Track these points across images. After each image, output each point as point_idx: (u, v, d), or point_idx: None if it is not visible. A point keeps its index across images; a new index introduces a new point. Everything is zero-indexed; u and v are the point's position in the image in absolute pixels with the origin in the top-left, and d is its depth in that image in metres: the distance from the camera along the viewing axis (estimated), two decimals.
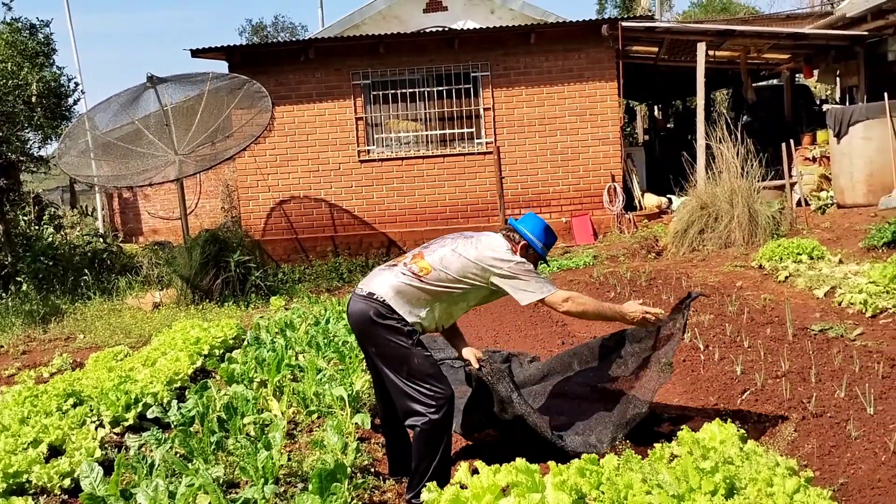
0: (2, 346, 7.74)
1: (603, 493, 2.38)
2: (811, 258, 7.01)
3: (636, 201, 11.71)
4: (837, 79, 13.23)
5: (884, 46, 11.20)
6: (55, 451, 3.96)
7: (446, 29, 12.31)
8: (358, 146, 11.43)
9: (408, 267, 3.30)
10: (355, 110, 11.36)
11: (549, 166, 11.41)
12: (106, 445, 4.08)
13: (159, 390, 4.68)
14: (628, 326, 3.68)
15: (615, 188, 11.29)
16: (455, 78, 11.32)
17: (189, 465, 3.33)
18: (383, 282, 3.27)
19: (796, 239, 7.53)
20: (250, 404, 4.15)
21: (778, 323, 5.13)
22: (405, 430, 3.36)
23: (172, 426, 4.15)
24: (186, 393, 4.79)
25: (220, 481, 3.21)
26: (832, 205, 9.97)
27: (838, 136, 9.74)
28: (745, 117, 14.09)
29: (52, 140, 15.32)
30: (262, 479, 3.10)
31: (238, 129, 10.18)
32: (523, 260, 3.35)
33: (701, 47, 10.46)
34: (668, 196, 11.62)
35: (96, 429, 4.21)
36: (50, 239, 11.42)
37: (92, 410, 4.48)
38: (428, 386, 3.15)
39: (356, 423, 3.87)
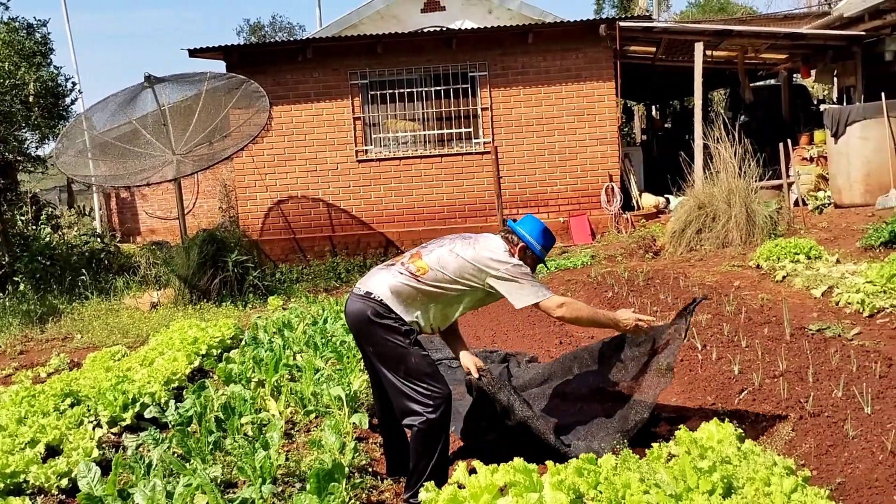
0: None
1: (601, 492, 2.38)
2: (808, 258, 7.02)
3: (634, 201, 11.71)
4: (835, 79, 13.26)
5: (881, 46, 11.22)
6: (52, 452, 3.95)
7: (444, 29, 12.32)
8: (356, 146, 11.42)
9: (405, 266, 3.30)
10: (353, 110, 11.36)
11: (546, 166, 11.41)
12: (103, 445, 4.07)
13: (157, 390, 4.68)
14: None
15: (613, 188, 11.29)
16: (453, 78, 11.32)
17: (187, 465, 3.33)
18: (381, 281, 3.27)
19: (794, 239, 7.55)
20: (248, 404, 4.15)
21: (775, 323, 5.13)
22: (403, 429, 3.36)
23: (170, 426, 4.15)
24: (184, 393, 4.79)
25: (218, 481, 3.21)
26: (829, 204, 9.99)
27: (836, 135, 9.76)
28: (742, 117, 14.10)
29: (49, 140, 15.32)
30: (260, 479, 3.10)
31: (236, 129, 10.17)
32: (520, 262, 3.34)
33: (698, 47, 10.47)
34: (665, 196, 11.63)
35: (94, 429, 4.20)
36: (47, 239, 11.40)
37: (89, 410, 4.47)
38: (425, 385, 3.15)
39: (354, 423, 3.86)
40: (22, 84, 13.22)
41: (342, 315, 6.08)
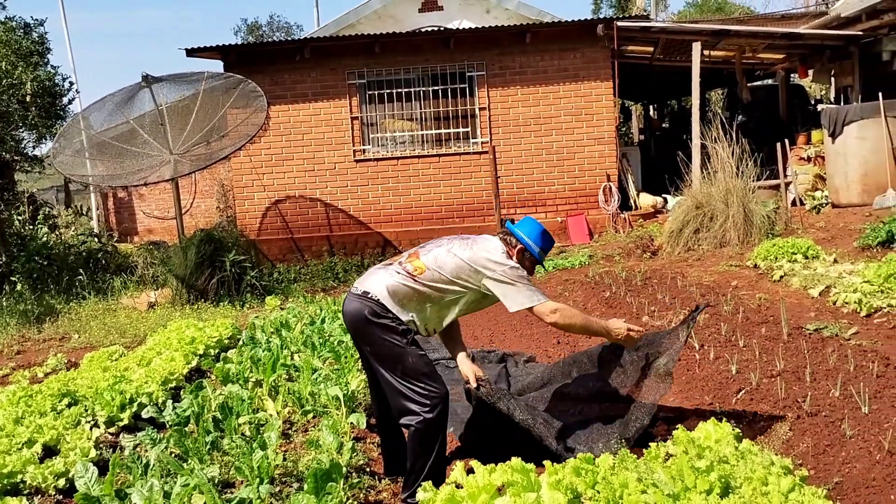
0: None
1: (598, 492, 2.38)
2: (806, 258, 7.03)
3: (631, 201, 11.72)
4: (832, 78, 13.26)
5: (878, 46, 11.22)
6: (50, 452, 3.94)
7: (442, 28, 12.32)
8: (353, 146, 11.42)
9: (402, 266, 3.29)
10: (351, 110, 11.35)
11: (544, 166, 11.42)
12: (101, 445, 4.06)
13: (154, 390, 4.67)
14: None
15: (611, 188, 11.30)
16: (451, 77, 11.32)
17: (184, 465, 3.32)
18: (378, 281, 3.27)
19: (791, 238, 7.56)
20: (246, 404, 4.14)
21: (773, 322, 5.14)
22: (400, 429, 3.36)
23: (168, 426, 4.13)
24: (182, 393, 4.78)
25: (216, 481, 3.20)
26: (827, 204, 10.00)
27: (833, 135, 9.77)
28: (740, 117, 14.12)
29: (46, 139, 15.30)
30: (258, 479, 3.10)
31: (233, 129, 10.16)
32: (518, 265, 3.32)
33: (696, 47, 10.48)
34: (663, 196, 11.64)
35: (91, 429, 4.19)
36: (45, 238, 11.37)
37: (87, 410, 4.46)
38: (423, 385, 3.15)
39: (351, 423, 3.86)
40: (19, 83, 13.20)
41: (340, 315, 6.07)
